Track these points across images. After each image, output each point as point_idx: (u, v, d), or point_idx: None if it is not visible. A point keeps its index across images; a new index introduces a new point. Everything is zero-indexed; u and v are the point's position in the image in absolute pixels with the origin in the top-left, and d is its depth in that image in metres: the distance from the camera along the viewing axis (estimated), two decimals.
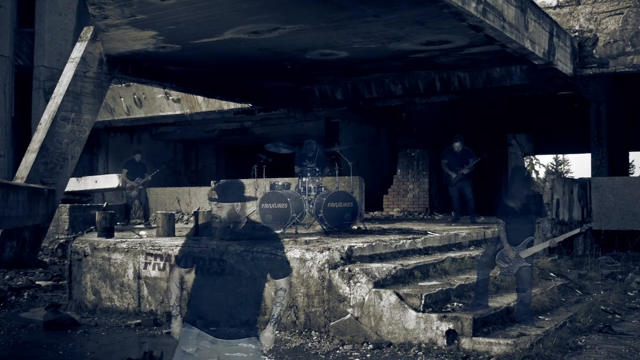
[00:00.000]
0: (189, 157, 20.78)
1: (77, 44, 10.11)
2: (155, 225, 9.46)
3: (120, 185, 13.26)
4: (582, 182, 11.63)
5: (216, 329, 3.28)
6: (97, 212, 8.15)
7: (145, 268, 6.86)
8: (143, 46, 9.49)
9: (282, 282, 3.38)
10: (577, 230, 6.06)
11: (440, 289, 5.82)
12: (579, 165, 72.06)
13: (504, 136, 18.94)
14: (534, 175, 35.94)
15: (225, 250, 3.52)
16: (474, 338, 5.19)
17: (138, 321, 6.51)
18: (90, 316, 6.97)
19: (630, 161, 17.03)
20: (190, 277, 3.44)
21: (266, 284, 3.45)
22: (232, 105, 14.30)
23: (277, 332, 3.39)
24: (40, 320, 6.44)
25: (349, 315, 5.78)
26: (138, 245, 7.11)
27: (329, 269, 5.96)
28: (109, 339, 6.02)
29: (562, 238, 5.81)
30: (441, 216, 13.60)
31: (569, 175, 40.04)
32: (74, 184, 14.10)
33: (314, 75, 12.11)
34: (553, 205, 10.27)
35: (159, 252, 6.83)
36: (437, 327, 5.32)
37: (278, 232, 7.97)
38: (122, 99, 16.03)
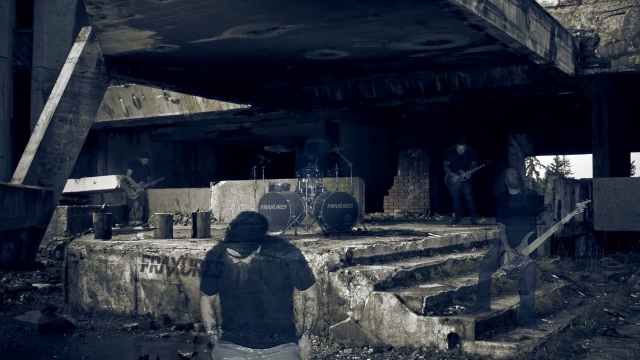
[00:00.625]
0: (189, 158, 20.71)
1: (75, 44, 10.04)
2: (153, 227, 9.38)
3: (119, 186, 13.18)
4: (584, 182, 11.56)
5: (246, 335, 3.25)
6: (94, 214, 8.06)
7: (142, 270, 6.77)
8: (141, 46, 9.42)
9: (309, 292, 3.35)
10: (581, 209, 5.86)
11: (441, 291, 5.73)
12: (580, 166, 72.00)
13: (504, 137, 18.88)
14: (534, 176, 35.85)
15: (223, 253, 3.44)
16: (476, 342, 5.10)
17: (135, 324, 6.42)
18: (87, 319, 6.88)
19: (631, 162, 16.92)
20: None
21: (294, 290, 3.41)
22: (232, 106, 14.23)
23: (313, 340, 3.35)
24: (36, 324, 6.35)
25: (348, 319, 5.69)
26: (135, 247, 7.03)
27: (329, 272, 5.88)
28: (105, 342, 5.93)
29: (568, 218, 5.69)
30: (442, 217, 13.53)
31: (569, 176, 39.94)
32: (72, 186, 14.01)
33: (313, 76, 12.03)
34: (555, 206, 10.20)
35: (156, 254, 6.74)
36: (438, 331, 5.23)
37: (277, 233, 7.89)
38: (121, 99, 15.96)
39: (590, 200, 6.55)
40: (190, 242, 7.24)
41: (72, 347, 5.78)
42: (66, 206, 12.49)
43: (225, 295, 3.27)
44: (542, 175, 36.20)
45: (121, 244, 7.28)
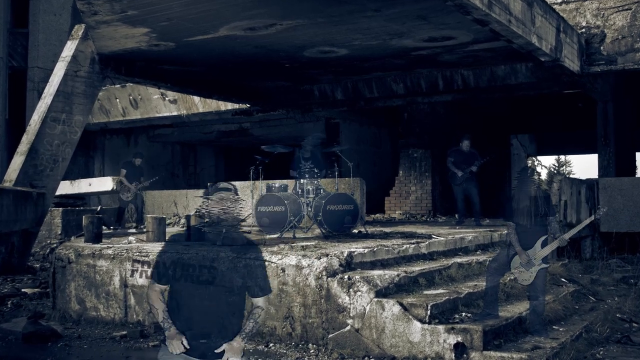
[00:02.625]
0: (187, 159, 20.51)
1: (68, 43, 9.83)
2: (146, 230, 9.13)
3: (115, 188, 12.95)
4: (590, 183, 11.31)
5: (206, 342, 3.07)
6: (84, 217, 7.80)
7: (132, 276, 6.49)
8: (136, 44, 9.21)
9: (259, 301, 3.22)
10: (592, 218, 5.67)
11: (447, 297, 5.45)
12: (581, 166, 71.76)
13: (506, 137, 18.67)
14: (535, 176, 35.56)
15: (217, 257, 3.32)
16: (485, 352, 4.81)
17: (124, 333, 6.13)
18: (74, 327, 6.60)
19: (637, 162, 16.70)
20: (179, 287, 3.21)
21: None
22: (230, 106, 14.05)
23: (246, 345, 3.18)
24: (20, 332, 6.06)
25: (348, 327, 5.41)
26: (125, 251, 6.74)
27: (327, 277, 5.60)
28: (91, 353, 5.65)
29: (575, 231, 5.44)
30: (444, 218, 13.30)
31: (571, 176, 39.71)
32: (67, 187, 13.79)
33: (313, 75, 11.81)
34: (560, 207, 9.94)
35: (146, 258, 6.46)
36: (444, 340, 4.95)
37: (275, 236, 7.63)
38: (117, 100, 15.75)
39: (606, 208, 6.29)
40: (183, 245, 6.95)
41: (56, 358, 5.51)
42: (61, 208, 12.26)
43: (190, 282, 3.14)
44: (543, 176, 35.97)
45: (110, 248, 7.00)
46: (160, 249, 3.61)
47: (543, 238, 5.32)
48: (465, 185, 10.25)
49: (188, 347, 3.01)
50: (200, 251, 3.43)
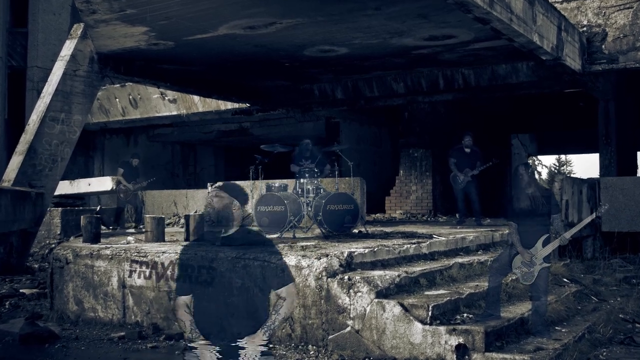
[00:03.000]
0: (187, 159, 20.46)
1: (67, 42, 9.78)
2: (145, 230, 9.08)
3: (114, 188, 12.90)
4: (591, 182, 11.26)
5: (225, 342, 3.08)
6: (82, 217, 7.75)
7: (130, 276, 6.43)
8: (135, 43, 9.17)
9: (283, 291, 3.15)
10: (593, 216, 5.61)
11: (448, 298, 5.38)
12: (582, 166, 71.66)
13: (507, 136, 18.62)
14: (536, 176, 35.52)
15: (216, 257, 3.29)
16: (487, 353, 4.75)
17: (122, 334, 6.07)
18: (72, 328, 6.53)
19: (639, 161, 16.64)
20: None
21: (259, 294, 3.22)
22: (230, 105, 14.00)
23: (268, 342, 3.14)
24: (17, 333, 6.00)
25: (349, 328, 5.35)
26: (123, 251, 6.68)
27: (327, 278, 5.54)
28: (88, 354, 5.57)
29: (576, 230, 5.38)
30: (445, 218, 13.24)
31: (572, 175, 39.65)
32: (66, 187, 13.75)
33: (313, 74, 11.76)
34: (562, 207, 9.88)
35: (144, 259, 6.40)
36: (445, 342, 4.89)
37: (274, 236, 7.57)
38: (117, 99, 15.70)
39: (607, 206, 6.24)
40: (182, 245, 6.91)
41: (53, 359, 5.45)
42: (60, 208, 12.20)
43: (189, 283, 3.14)
44: (544, 176, 35.92)
45: (108, 248, 6.94)
46: (166, 250, 3.60)
47: (544, 237, 5.26)
48: (464, 185, 10.20)
49: (220, 357, 3.02)
50: (202, 251, 3.39)
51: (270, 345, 3.27)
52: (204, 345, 3.04)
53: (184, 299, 3.18)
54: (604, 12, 10.90)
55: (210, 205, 3.24)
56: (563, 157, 40.70)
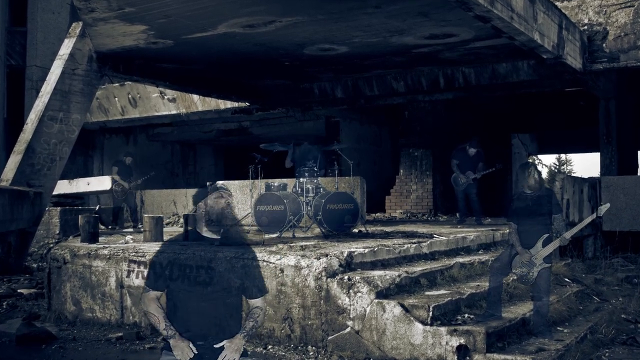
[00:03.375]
0: (187, 158, 20.41)
1: (66, 40, 9.73)
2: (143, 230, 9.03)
3: (113, 187, 12.86)
4: (592, 181, 11.22)
5: (203, 343, 3.05)
6: (80, 216, 7.70)
7: (128, 276, 6.39)
8: (134, 42, 9.11)
9: (257, 302, 3.26)
10: (594, 215, 5.57)
11: (449, 299, 5.34)
12: (582, 165, 71.64)
13: (508, 135, 18.56)
14: (536, 176, 35.45)
15: (214, 257, 3.28)
16: (488, 354, 4.71)
17: (120, 334, 6.02)
18: (70, 328, 6.49)
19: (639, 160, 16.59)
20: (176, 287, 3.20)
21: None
22: (229, 104, 13.94)
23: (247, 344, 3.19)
24: (14, 334, 5.95)
25: (348, 329, 5.31)
26: (121, 251, 6.63)
27: (327, 278, 5.49)
28: (86, 355, 5.53)
29: (577, 229, 5.34)
30: (445, 217, 13.20)
31: (573, 175, 39.62)
32: (65, 187, 13.71)
33: (313, 72, 11.70)
34: (563, 206, 9.84)
35: (142, 258, 6.35)
36: (446, 342, 4.84)
37: (274, 236, 7.52)
38: (116, 98, 15.65)
39: (609, 205, 6.19)
40: (180, 245, 6.86)
41: None
42: (59, 208, 12.17)
43: (187, 283, 3.16)
44: (544, 175, 35.92)
45: (106, 248, 6.89)
46: (156, 249, 3.59)
47: (545, 237, 5.21)
48: (465, 186, 10.18)
49: (196, 352, 2.99)
50: (197, 251, 3.35)
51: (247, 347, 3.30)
52: (181, 345, 3.03)
53: (155, 294, 3.22)
54: (605, 11, 10.85)
55: (204, 206, 3.27)
56: (563, 156, 40.69)
